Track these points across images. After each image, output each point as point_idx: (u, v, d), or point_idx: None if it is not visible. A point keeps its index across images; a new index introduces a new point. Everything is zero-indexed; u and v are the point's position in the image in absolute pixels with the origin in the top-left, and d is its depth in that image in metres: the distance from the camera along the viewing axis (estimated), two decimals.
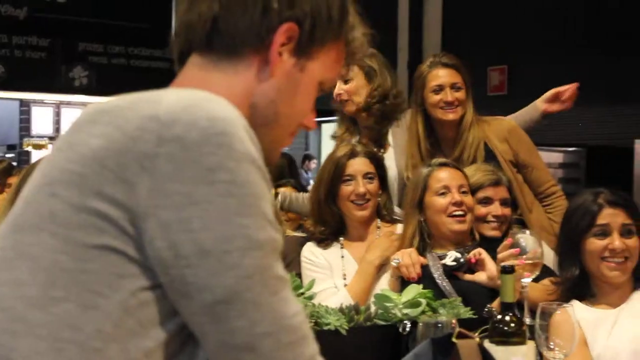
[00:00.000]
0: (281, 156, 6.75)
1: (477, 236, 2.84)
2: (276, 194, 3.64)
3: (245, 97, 1.18)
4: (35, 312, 0.99)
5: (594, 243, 2.35)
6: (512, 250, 2.36)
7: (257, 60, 1.18)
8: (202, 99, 1.06)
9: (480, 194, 2.89)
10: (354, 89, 3.37)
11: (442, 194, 2.74)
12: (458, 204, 2.71)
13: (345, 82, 3.36)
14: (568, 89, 3.37)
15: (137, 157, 0.99)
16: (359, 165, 2.94)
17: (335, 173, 2.94)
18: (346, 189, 2.92)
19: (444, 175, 2.79)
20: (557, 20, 6.69)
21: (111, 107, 1.09)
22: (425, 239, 2.81)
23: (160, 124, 1.00)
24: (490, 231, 2.87)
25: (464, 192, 2.75)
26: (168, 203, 0.98)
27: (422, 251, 2.78)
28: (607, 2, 6.38)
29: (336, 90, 3.34)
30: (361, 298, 2.73)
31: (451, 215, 2.73)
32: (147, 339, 1.01)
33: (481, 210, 2.88)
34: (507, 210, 2.90)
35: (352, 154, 2.97)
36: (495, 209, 2.87)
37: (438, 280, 2.65)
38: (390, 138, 3.44)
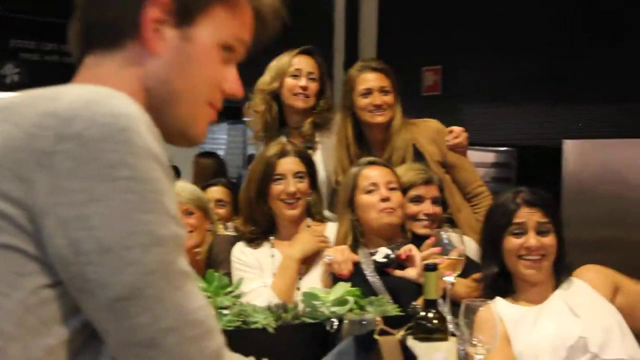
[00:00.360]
0: (209, 157, 6.74)
1: (409, 234, 2.86)
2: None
3: (137, 85, 1.16)
4: None
5: (511, 241, 2.40)
6: (434, 249, 2.40)
7: (139, 45, 1.16)
8: (103, 95, 1.04)
9: (412, 193, 2.92)
10: (315, 89, 3.41)
11: (370, 191, 2.76)
12: (386, 200, 2.74)
13: (312, 79, 3.40)
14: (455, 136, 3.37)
15: (34, 154, 0.98)
16: (289, 164, 2.95)
17: (266, 172, 2.94)
18: (276, 188, 2.92)
19: (372, 173, 2.82)
20: (490, 22, 6.78)
21: (8, 104, 1.07)
22: (358, 237, 2.82)
23: (59, 120, 0.98)
24: (421, 229, 2.90)
25: (392, 189, 2.78)
26: (67, 200, 0.96)
27: (355, 249, 2.79)
28: (540, 4, 6.49)
29: (303, 83, 3.37)
30: (286, 294, 2.75)
31: (380, 211, 2.75)
32: (49, 336, 1.00)
33: (412, 208, 2.91)
34: (437, 209, 2.95)
35: (282, 153, 2.97)
36: (427, 207, 2.91)
37: (369, 277, 2.67)
38: (317, 139, 3.46)
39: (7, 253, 0.98)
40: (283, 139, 3.36)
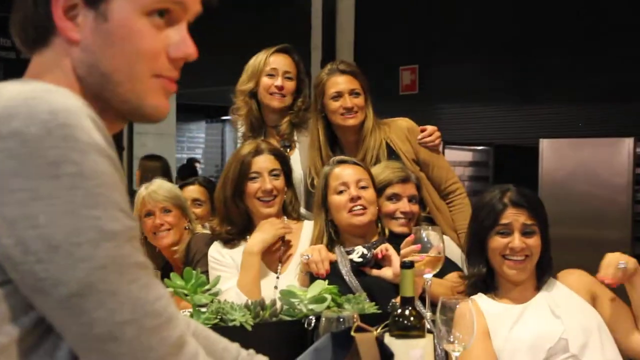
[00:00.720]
0: (155, 159, 6.68)
1: (386, 232, 2.86)
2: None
3: (73, 77, 1.13)
4: None
5: (497, 241, 2.41)
6: (414, 247, 2.40)
7: (61, 38, 1.13)
8: (42, 91, 1.02)
9: (389, 191, 2.92)
10: (291, 88, 3.40)
11: (341, 192, 2.76)
12: (355, 199, 2.73)
13: (289, 78, 3.39)
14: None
15: None
16: (264, 162, 2.94)
17: (241, 171, 2.93)
18: (252, 186, 2.91)
19: (342, 173, 2.81)
20: (466, 21, 6.81)
21: None
22: (333, 237, 2.82)
23: None
24: (398, 227, 2.89)
25: (362, 187, 2.77)
26: (11, 200, 0.95)
27: (331, 248, 2.79)
28: (515, 4, 6.52)
29: (279, 82, 3.35)
30: (252, 291, 2.75)
31: (350, 211, 2.74)
32: None
33: (389, 207, 2.91)
34: (415, 207, 2.95)
35: (257, 152, 2.96)
36: (404, 205, 2.90)
37: (345, 277, 2.66)
38: (295, 138, 3.46)
39: None
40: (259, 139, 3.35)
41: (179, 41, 1.17)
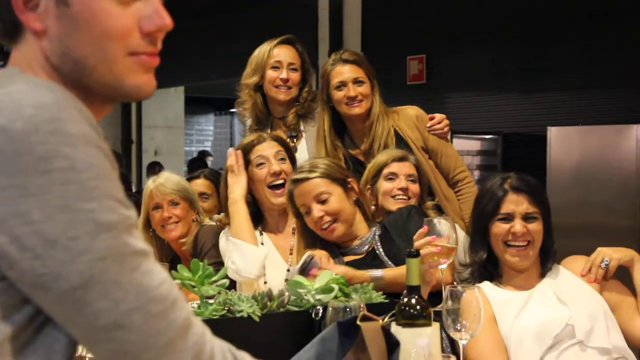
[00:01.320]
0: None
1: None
2: None
3: (49, 68, 1.11)
4: None
5: (498, 226, 2.42)
6: (429, 238, 2.35)
7: (28, 30, 1.11)
8: (26, 86, 1.01)
9: (386, 171, 2.94)
10: (297, 79, 3.40)
11: (307, 212, 2.73)
12: (319, 219, 2.69)
13: (294, 70, 3.39)
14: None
15: None
16: (268, 147, 2.96)
17: (246, 159, 2.94)
18: (260, 172, 2.92)
19: (300, 193, 2.74)
20: (473, 11, 6.79)
21: None
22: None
23: None
24: (395, 206, 2.89)
25: (322, 202, 2.69)
26: (1, 197, 0.95)
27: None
28: None
29: (284, 75, 3.36)
30: (244, 233, 2.83)
31: (321, 229, 2.71)
32: None
33: (387, 186, 2.92)
34: (414, 186, 2.95)
35: (260, 140, 2.98)
36: (400, 182, 2.91)
37: None
38: (302, 128, 3.47)
39: None
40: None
41: (151, 13, 1.12)
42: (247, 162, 2.94)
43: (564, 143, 5.53)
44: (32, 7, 1.08)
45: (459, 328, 2.04)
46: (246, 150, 2.94)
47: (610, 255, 2.42)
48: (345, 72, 3.23)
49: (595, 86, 6.01)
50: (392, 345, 1.61)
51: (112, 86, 1.12)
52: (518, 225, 2.39)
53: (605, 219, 5.16)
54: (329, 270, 2.35)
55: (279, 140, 3.04)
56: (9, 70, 1.12)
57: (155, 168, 9.13)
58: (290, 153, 3.05)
